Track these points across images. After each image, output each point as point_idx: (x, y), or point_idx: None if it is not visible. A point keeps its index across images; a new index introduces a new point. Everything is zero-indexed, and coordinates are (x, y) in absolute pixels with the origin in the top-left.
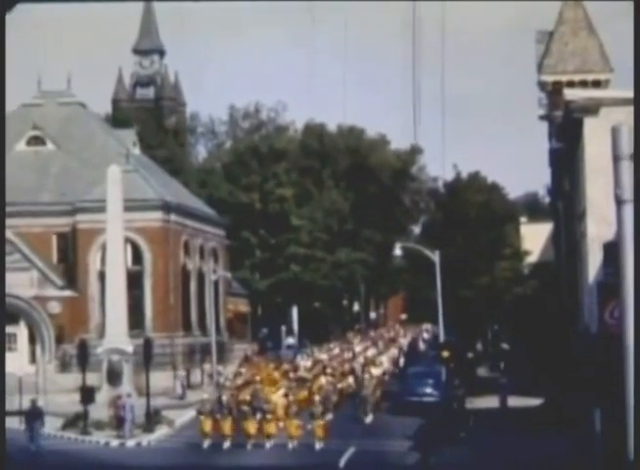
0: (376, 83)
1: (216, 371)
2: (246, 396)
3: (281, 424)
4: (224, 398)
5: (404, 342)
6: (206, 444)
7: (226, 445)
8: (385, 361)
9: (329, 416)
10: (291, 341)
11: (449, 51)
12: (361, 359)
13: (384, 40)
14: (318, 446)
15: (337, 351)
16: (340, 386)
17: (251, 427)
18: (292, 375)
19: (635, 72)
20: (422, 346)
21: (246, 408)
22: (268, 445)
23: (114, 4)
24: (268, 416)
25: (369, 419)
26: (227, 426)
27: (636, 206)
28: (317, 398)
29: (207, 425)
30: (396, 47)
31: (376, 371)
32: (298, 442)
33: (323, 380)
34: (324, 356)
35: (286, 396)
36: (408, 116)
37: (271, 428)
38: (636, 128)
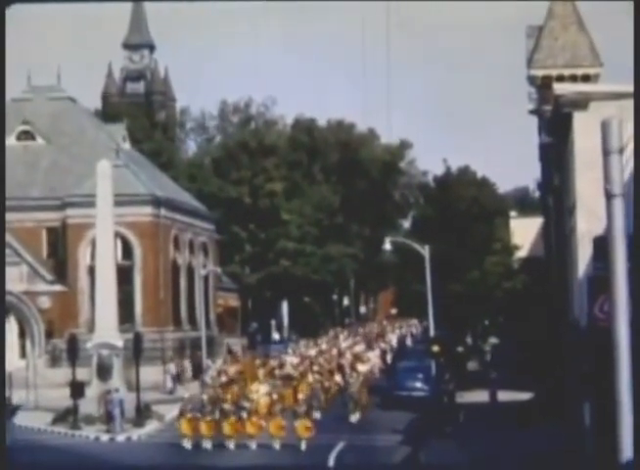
0: (364, 78)
1: (206, 365)
2: (227, 394)
3: (263, 423)
4: (204, 396)
5: (393, 337)
6: (187, 444)
7: (207, 445)
8: (372, 358)
9: (316, 415)
10: (276, 336)
11: (439, 46)
12: (349, 356)
13: (373, 35)
14: (303, 446)
15: (324, 346)
16: (327, 384)
17: (232, 427)
18: (277, 372)
19: (635, 73)
20: (409, 342)
21: (227, 407)
22: (252, 445)
23: None
24: (250, 415)
25: (355, 418)
26: (208, 426)
27: (632, 200)
28: (301, 396)
29: (188, 425)
30: (384, 42)
31: (362, 368)
32: (282, 442)
33: (310, 378)
34: (312, 352)
35: (269, 394)
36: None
37: (253, 428)
38: (636, 126)
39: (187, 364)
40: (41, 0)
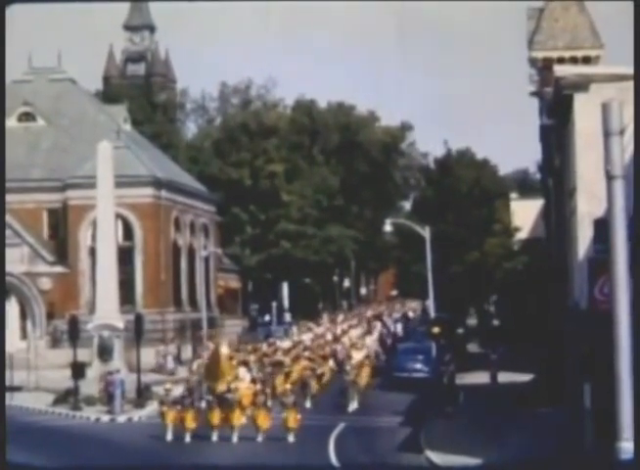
0: (365, 59)
1: (206, 347)
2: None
3: (246, 414)
4: (186, 386)
5: (391, 320)
6: (169, 436)
7: (187, 438)
8: (369, 343)
9: (306, 405)
10: (267, 318)
11: (440, 27)
12: (345, 340)
13: (374, 15)
14: (290, 438)
15: (316, 330)
16: (319, 371)
17: (214, 418)
18: (266, 360)
19: (635, 72)
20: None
21: (209, 398)
22: (233, 438)
23: None
24: (232, 406)
25: (352, 407)
26: (188, 417)
27: (632, 182)
28: (288, 386)
29: (170, 416)
30: (386, 21)
31: (357, 355)
32: (266, 434)
33: (302, 365)
34: (305, 337)
35: (254, 382)
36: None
37: (235, 419)
38: (636, 111)
39: (171, 349)
40: (41, 0)
